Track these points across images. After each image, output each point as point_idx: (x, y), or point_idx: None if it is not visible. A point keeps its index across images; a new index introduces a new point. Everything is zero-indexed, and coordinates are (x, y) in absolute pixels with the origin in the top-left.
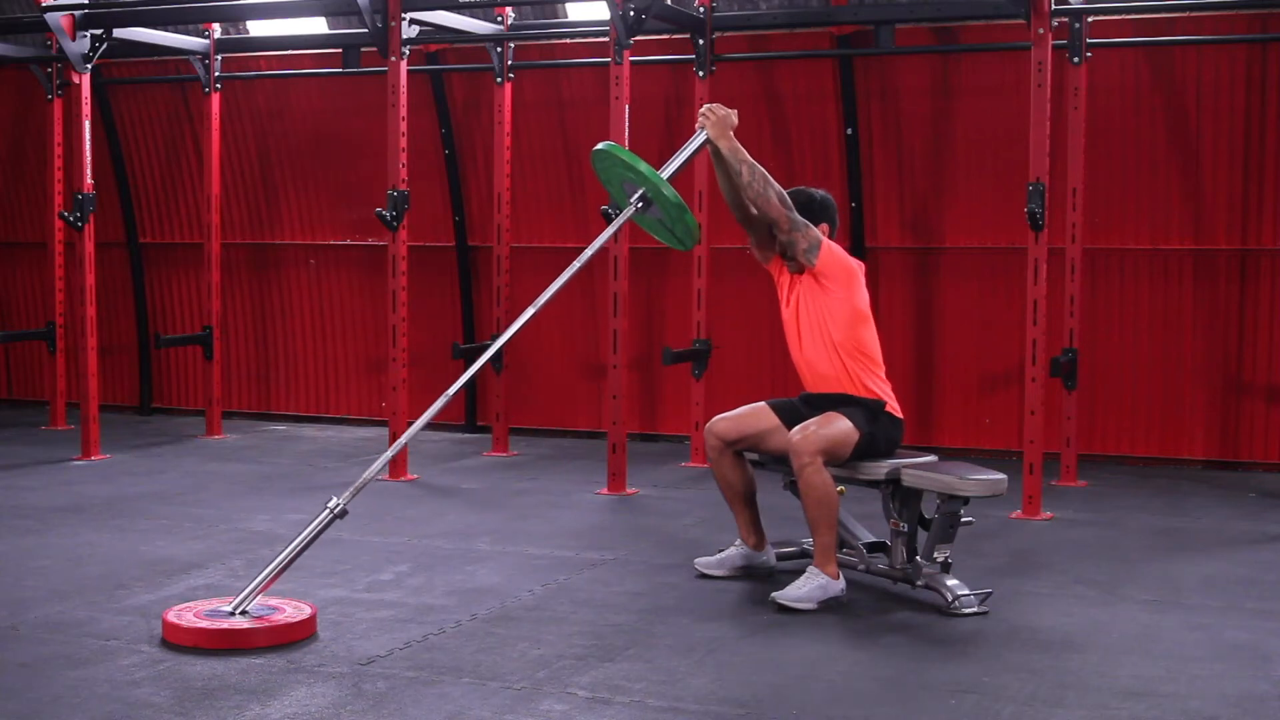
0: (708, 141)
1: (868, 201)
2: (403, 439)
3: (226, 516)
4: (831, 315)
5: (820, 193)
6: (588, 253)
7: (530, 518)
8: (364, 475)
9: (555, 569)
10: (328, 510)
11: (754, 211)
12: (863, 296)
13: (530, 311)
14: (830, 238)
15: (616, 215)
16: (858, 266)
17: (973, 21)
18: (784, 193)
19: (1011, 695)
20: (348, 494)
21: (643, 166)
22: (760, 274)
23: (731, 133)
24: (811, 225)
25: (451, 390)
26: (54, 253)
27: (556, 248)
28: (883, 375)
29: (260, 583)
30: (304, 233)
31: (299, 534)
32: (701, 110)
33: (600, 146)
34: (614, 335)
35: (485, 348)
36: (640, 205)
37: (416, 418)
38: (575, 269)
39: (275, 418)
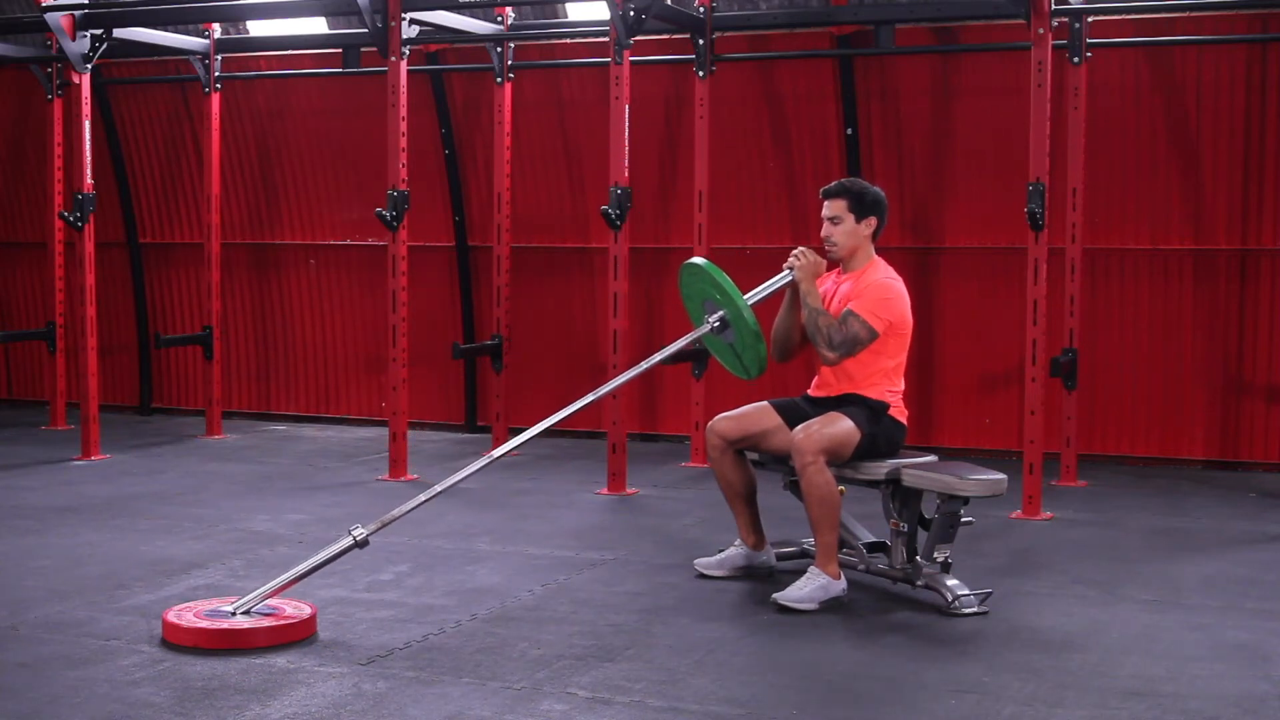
0: (793, 283)
1: None
2: (440, 487)
3: (226, 516)
4: (883, 339)
5: (875, 188)
6: (656, 358)
7: (530, 518)
8: (393, 511)
9: (555, 569)
10: (350, 538)
11: (796, 348)
12: (910, 318)
13: (590, 398)
14: (876, 235)
15: (617, 220)
16: (903, 289)
17: (973, 21)
18: (832, 329)
19: (1011, 695)
20: (374, 525)
21: (730, 289)
22: (760, 275)
23: (816, 280)
24: (854, 334)
25: (497, 453)
26: (54, 253)
27: (556, 248)
28: (898, 380)
29: (265, 592)
30: (304, 233)
31: (313, 553)
32: (794, 251)
33: (695, 261)
34: (614, 335)
35: (485, 348)
36: (717, 325)
37: (416, 418)
38: (643, 369)
39: (275, 418)
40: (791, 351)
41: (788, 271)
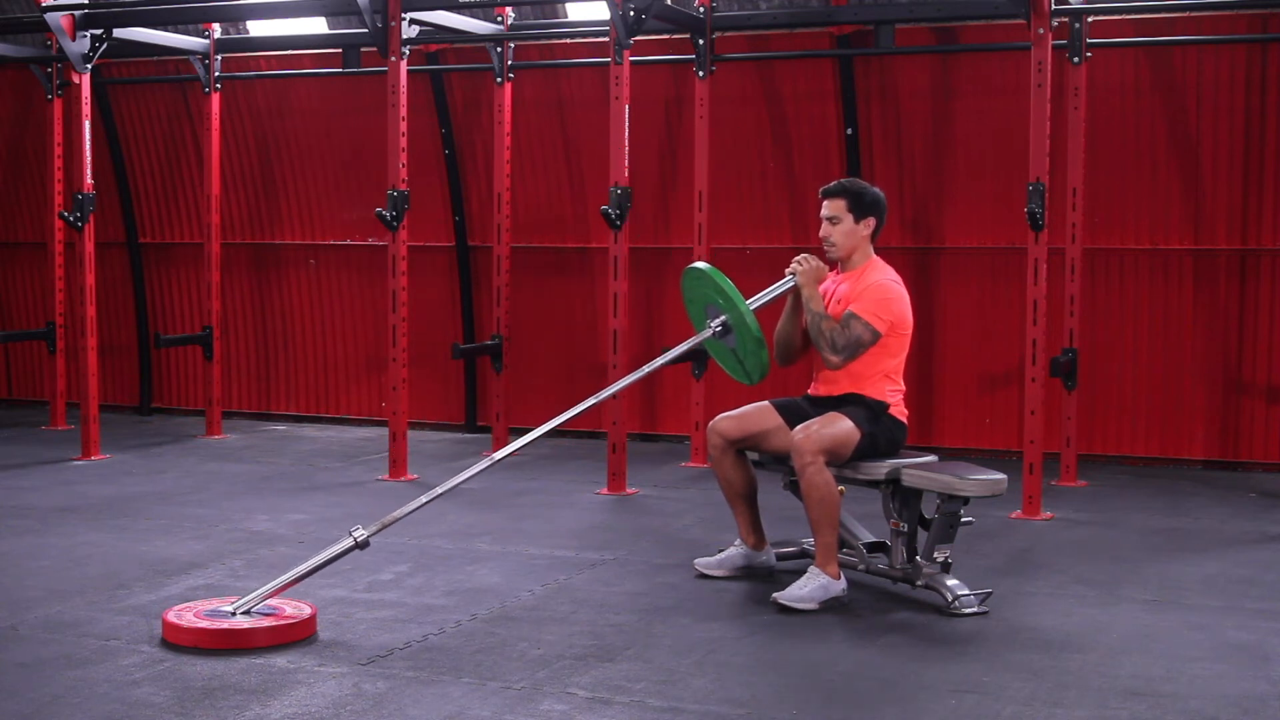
0: (795, 287)
1: None
2: (447, 485)
3: (226, 516)
4: (884, 339)
5: (875, 188)
6: (659, 362)
7: (530, 518)
8: (395, 513)
9: (555, 569)
10: (351, 539)
11: (798, 352)
12: (910, 318)
13: (592, 400)
14: (875, 235)
15: (617, 220)
16: (903, 289)
17: (973, 21)
18: (835, 333)
19: (1011, 695)
20: (374, 527)
21: (733, 294)
22: (760, 275)
23: (818, 284)
24: (856, 337)
25: (499, 455)
26: (54, 253)
27: (556, 248)
28: (898, 379)
29: (265, 592)
30: (304, 233)
31: (313, 553)
32: (797, 258)
33: (697, 265)
34: (614, 335)
35: (485, 348)
36: (719, 330)
37: (416, 418)
38: (645, 373)
39: (275, 418)
40: (794, 355)
41: (790, 277)
